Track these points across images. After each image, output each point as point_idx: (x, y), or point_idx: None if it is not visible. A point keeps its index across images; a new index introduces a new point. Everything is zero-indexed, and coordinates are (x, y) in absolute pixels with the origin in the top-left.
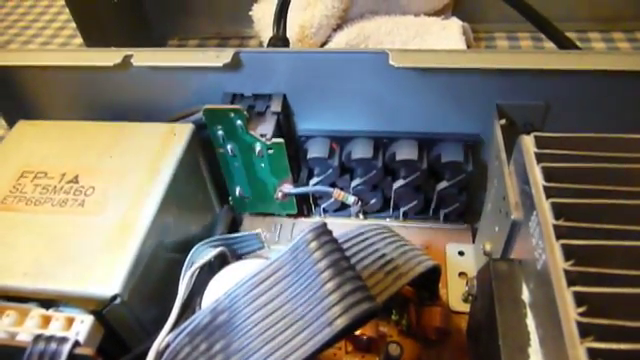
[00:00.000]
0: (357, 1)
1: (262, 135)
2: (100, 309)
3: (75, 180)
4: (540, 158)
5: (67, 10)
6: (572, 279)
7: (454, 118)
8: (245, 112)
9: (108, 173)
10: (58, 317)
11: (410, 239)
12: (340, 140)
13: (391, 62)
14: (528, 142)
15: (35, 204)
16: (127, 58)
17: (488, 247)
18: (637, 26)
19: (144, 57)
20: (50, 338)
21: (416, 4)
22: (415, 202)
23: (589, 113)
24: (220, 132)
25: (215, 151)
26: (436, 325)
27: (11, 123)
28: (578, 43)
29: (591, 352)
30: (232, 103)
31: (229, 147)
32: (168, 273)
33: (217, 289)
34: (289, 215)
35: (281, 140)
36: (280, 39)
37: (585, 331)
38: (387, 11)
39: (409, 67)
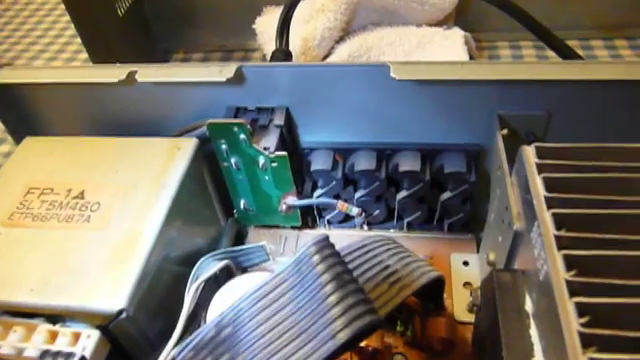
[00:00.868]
0: (359, 13)
1: (265, 148)
2: (106, 324)
3: (81, 196)
4: (541, 168)
5: (73, 25)
6: (574, 289)
7: (456, 129)
8: (248, 126)
9: (114, 188)
10: (65, 332)
11: (414, 249)
12: (343, 152)
13: (392, 75)
14: (529, 152)
15: (42, 220)
16: (131, 74)
17: (492, 257)
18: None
19: (148, 73)
20: (57, 354)
21: (418, 15)
22: (419, 213)
23: (591, 123)
24: (224, 146)
25: (219, 165)
26: (441, 336)
27: (18, 139)
28: (580, 51)
29: None
30: (235, 117)
31: (233, 161)
32: (174, 287)
33: (221, 303)
34: (293, 227)
35: (284, 153)
36: (282, 52)
37: (587, 342)
38: (389, 22)
39: (410, 80)
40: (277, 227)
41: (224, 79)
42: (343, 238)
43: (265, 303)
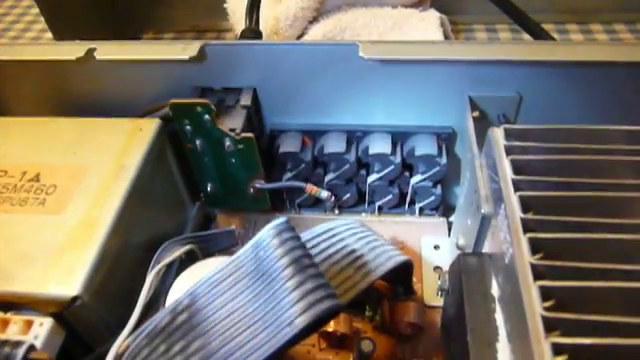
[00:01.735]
0: None
1: (232, 130)
2: (61, 311)
3: (36, 178)
4: (509, 150)
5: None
6: (539, 273)
7: (427, 111)
8: (213, 106)
9: (71, 171)
10: (16, 320)
11: (385, 233)
12: (312, 134)
13: (361, 54)
14: (498, 134)
15: None
16: (90, 51)
17: (461, 241)
18: (615, 18)
19: (108, 50)
20: (4, 342)
21: None
22: (390, 196)
23: (563, 104)
24: (188, 127)
25: (184, 146)
26: (410, 320)
27: None
28: (556, 35)
29: (556, 347)
30: (201, 97)
31: (198, 142)
32: (137, 273)
33: (180, 289)
34: (263, 211)
35: (251, 135)
36: (252, 32)
37: (550, 326)
38: (364, 3)
39: (379, 59)
40: (246, 211)
41: (187, 57)
42: (313, 222)
43: (222, 288)
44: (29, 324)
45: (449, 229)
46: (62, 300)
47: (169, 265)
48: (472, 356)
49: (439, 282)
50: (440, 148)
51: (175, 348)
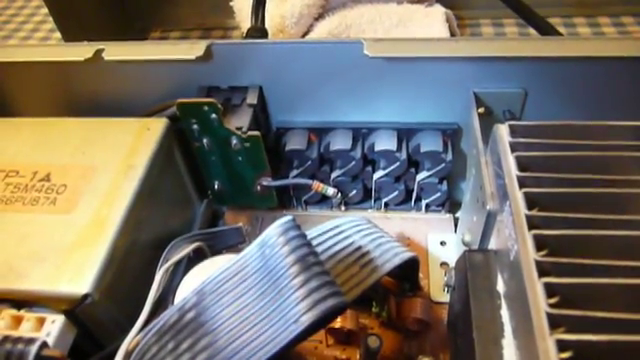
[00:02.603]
0: None
1: (238, 128)
2: (72, 308)
3: (47, 178)
4: (514, 147)
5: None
6: (544, 270)
7: (432, 107)
8: (219, 105)
9: (81, 170)
10: (29, 318)
11: (391, 230)
12: (319, 131)
13: (366, 52)
14: (503, 131)
15: (6, 203)
16: (98, 52)
17: (467, 237)
18: (623, 11)
19: (116, 51)
20: (18, 339)
21: None
22: (396, 193)
23: (569, 100)
24: (195, 126)
25: (191, 145)
26: (416, 316)
27: None
28: (563, 29)
29: (561, 344)
30: (208, 96)
31: (205, 141)
32: (146, 270)
33: (188, 286)
34: (270, 208)
35: (257, 133)
36: (258, 30)
37: (555, 322)
38: None
39: (384, 56)
40: (253, 208)
41: (194, 57)
42: (320, 219)
43: (229, 287)
44: (41, 321)
45: (455, 225)
46: (73, 298)
47: (177, 263)
48: (478, 352)
49: (445, 278)
50: (446, 144)
51: (183, 345)
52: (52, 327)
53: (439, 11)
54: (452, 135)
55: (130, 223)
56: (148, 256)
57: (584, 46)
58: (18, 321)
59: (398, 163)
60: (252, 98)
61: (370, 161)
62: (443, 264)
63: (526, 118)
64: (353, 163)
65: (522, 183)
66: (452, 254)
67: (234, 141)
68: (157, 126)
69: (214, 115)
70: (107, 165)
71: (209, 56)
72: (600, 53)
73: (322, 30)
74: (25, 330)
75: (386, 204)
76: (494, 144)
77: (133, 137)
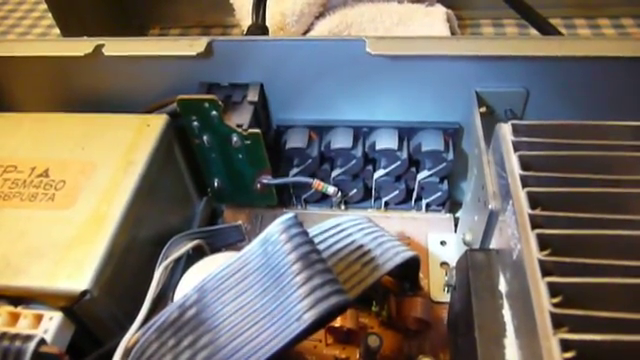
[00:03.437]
0: None
1: (239, 125)
2: (70, 305)
3: (45, 174)
4: (517, 146)
5: None
6: (547, 269)
7: (434, 106)
8: (220, 102)
9: (80, 166)
10: (26, 314)
11: (392, 229)
12: (319, 130)
13: (368, 49)
14: (505, 130)
15: (4, 199)
16: (98, 48)
17: (468, 237)
18: (623, 12)
19: (116, 47)
20: (15, 336)
21: None
22: (396, 192)
23: (571, 100)
24: (195, 123)
25: (191, 142)
26: (416, 316)
27: None
28: (564, 30)
29: (564, 343)
30: (208, 93)
31: (205, 138)
32: (145, 267)
33: (188, 284)
34: (270, 206)
35: (258, 130)
36: (259, 27)
37: (559, 322)
38: None
39: (386, 55)
40: (253, 206)
41: (194, 53)
42: (320, 218)
43: (230, 284)
44: (39, 318)
45: (455, 225)
46: (71, 294)
47: (177, 260)
48: (479, 352)
49: (446, 278)
50: (447, 144)
51: (184, 342)
52: (50, 324)
53: (440, 11)
54: (453, 134)
55: (129, 219)
56: (147, 253)
57: (586, 46)
58: (15, 318)
59: (399, 162)
60: (253, 95)
61: (371, 160)
62: (443, 264)
63: (527, 118)
64: (354, 162)
65: (525, 182)
66: (452, 254)
67: (234, 138)
68: (157, 122)
69: (214, 112)
70: (106, 161)
71: (210, 53)
72: (602, 53)
73: (323, 29)
74: (22, 327)
75: (386, 203)
76: (496, 143)
77: (133, 133)
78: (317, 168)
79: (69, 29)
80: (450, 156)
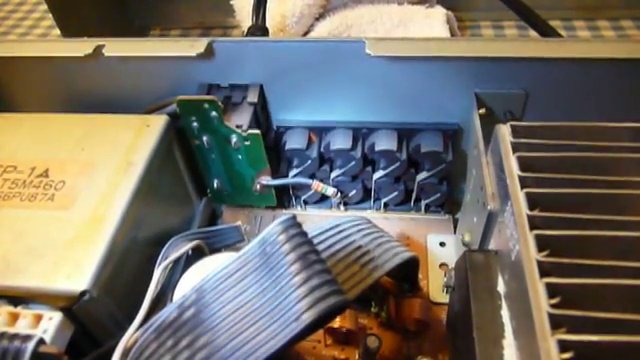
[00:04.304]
0: None
1: (238, 126)
2: (69, 305)
3: (45, 174)
4: (516, 147)
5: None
6: (545, 270)
7: (433, 107)
8: (220, 103)
9: (79, 166)
10: (26, 314)
11: (391, 230)
12: (319, 131)
13: (367, 51)
14: (504, 131)
15: (3, 199)
16: (98, 48)
17: (467, 238)
18: (622, 14)
19: (116, 47)
20: (15, 336)
21: None
22: (396, 193)
23: (570, 101)
24: (195, 124)
25: (191, 143)
26: (415, 317)
27: None
28: (563, 31)
29: (562, 344)
30: (208, 94)
31: (205, 139)
32: (145, 268)
33: (188, 284)
34: (269, 207)
35: (257, 131)
36: (259, 29)
37: (557, 323)
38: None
39: (385, 56)
40: (252, 207)
41: (195, 54)
42: (319, 219)
43: (229, 284)
44: (38, 318)
45: (454, 226)
46: (71, 295)
47: (176, 260)
48: (478, 353)
49: (445, 279)
50: (446, 145)
51: (182, 343)
52: (49, 324)
53: (440, 12)
54: (452, 135)
55: (129, 220)
56: (147, 253)
57: (585, 47)
58: (15, 318)
59: (398, 163)
60: (253, 96)
61: (370, 161)
62: (442, 265)
63: (526, 119)
64: (353, 163)
65: (524, 183)
66: (451, 255)
67: (234, 139)
68: (157, 123)
69: (214, 113)
70: (106, 161)
71: (210, 53)
72: (601, 55)
73: (322, 30)
74: (22, 327)
75: (386, 204)
76: (495, 144)
77: (133, 134)
78: (316, 169)
79: (69, 30)
80: (449, 157)
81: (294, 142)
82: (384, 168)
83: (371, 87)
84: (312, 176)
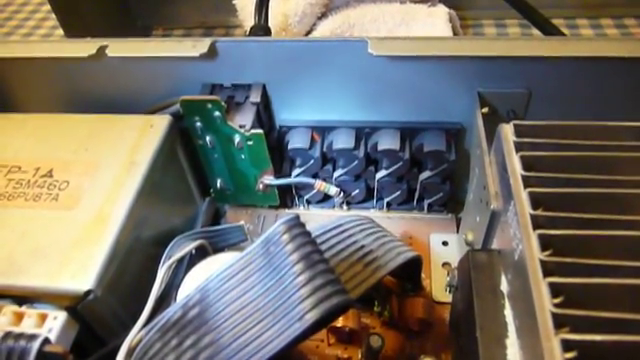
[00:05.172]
0: None
1: (241, 126)
2: (74, 305)
3: (49, 174)
4: (519, 147)
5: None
6: (548, 269)
7: (436, 107)
8: (223, 103)
9: (83, 166)
10: (31, 314)
11: (394, 229)
12: (321, 130)
13: (370, 50)
14: (507, 130)
15: (8, 199)
16: (102, 49)
17: (470, 237)
18: (625, 12)
19: (119, 48)
20: (20, 335)
21: None
22: (398, 192)
23: (573, 100)
24: (198, 124)
25: (194, 143)
26: (418, 316)
27: None
28: (566, 30)
29: (565, 343)
30: (211, 94)
31: (208, 139)
32: (148, 267)
33: (191, 283)
34: (272, 207)
35: (260, 131)
36: (261, 28)
37: (560, 322)
38: None
39: (388, 55)
40: (255, 207)
41: (198, 54)
42: (322, 218)
43: (233, 284)
44: (43, 317)
45: (457, 225)
46: (75, 294)
47: (180, 260)
48: (481, 352)
49: (448, 278)
50: (449, 144)
51: (187, 342)
52: (54, 323)
53: (442, 11)
54: (455, 135)
55: (133, 220)
56: (150, 253)
57: (588, 46)
58: (20, 317)
59: (401, 163)
60: (255, 96)
61: (373, 160)
62: (445, 264)
63: (530, 118)
64: (356, 162)
65: (527, 183)
66: (454, 254)
67: (237, 139)
68: (160, 123)
69: (217, 113)
70: (110, 161)
71: (213, 53)
72: (604, 53)
73: (325, 29)
74: (27, 326)
75: (388, 204)
76: (498, 144)
77: (136, 134)
78: (319, 168)
79: (72, 30)
80: (452, 156)
81: (297, 142)
82: (387, 167)
83: (373, 86)
84: (315, 175)
